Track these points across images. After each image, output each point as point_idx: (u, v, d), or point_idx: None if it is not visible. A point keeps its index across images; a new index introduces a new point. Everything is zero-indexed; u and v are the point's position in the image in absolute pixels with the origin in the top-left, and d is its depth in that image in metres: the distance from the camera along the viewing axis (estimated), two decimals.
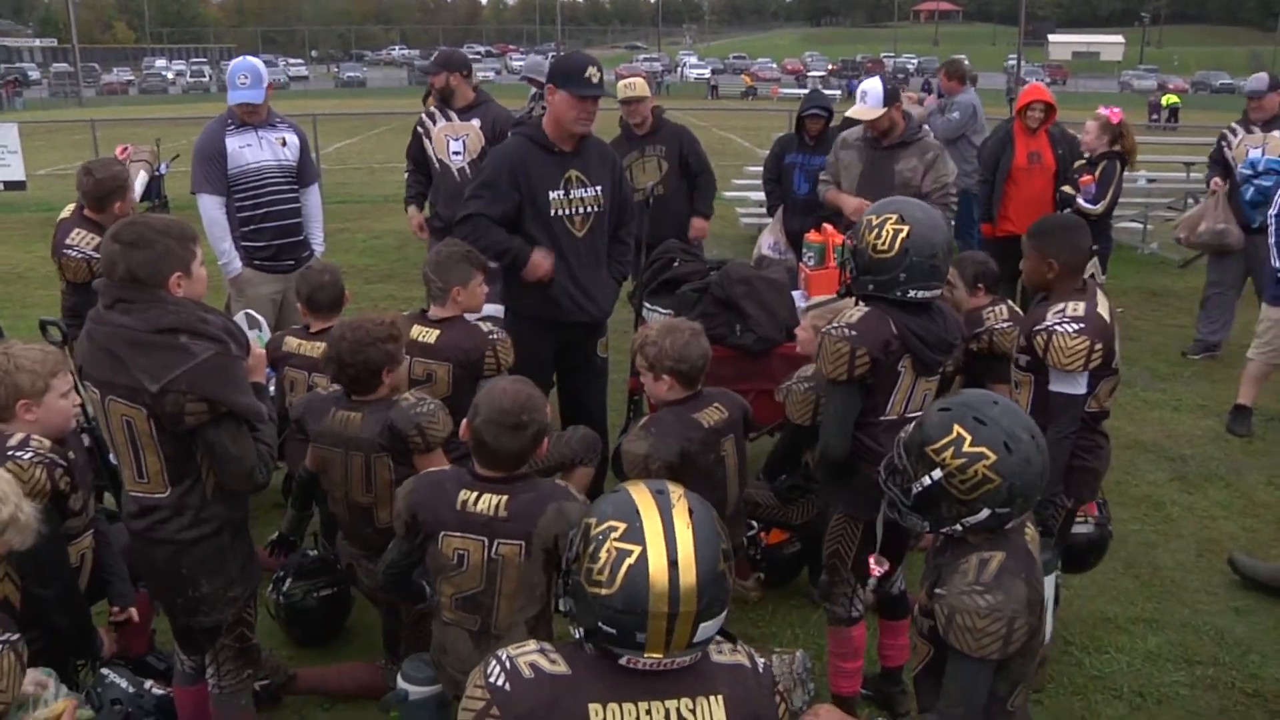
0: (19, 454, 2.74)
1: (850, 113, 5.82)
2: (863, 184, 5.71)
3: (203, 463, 2.82)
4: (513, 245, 4.41)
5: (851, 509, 3.38)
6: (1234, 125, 7.60)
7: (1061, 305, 3.48)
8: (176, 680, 3.25)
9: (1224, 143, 7.58)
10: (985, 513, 2.33)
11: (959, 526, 2.38)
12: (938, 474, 2.34)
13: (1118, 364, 3.61)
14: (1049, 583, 3.48)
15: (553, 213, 4.43)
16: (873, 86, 5.65)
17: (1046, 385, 3.51)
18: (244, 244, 5.40)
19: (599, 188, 4.50)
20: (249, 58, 5.51)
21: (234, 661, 3.09)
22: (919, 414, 3.25)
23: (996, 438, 2.29)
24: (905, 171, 5.59)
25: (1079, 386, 3.46)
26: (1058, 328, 3.42)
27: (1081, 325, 3.40)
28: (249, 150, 5.33)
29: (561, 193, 4.43)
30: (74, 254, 4.70)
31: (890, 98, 5.59)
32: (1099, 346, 3.40)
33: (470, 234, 4.33)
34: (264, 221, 5.40)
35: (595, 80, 4.31)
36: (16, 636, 2.33)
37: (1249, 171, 6.92)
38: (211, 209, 5.33)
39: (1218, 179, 7.38)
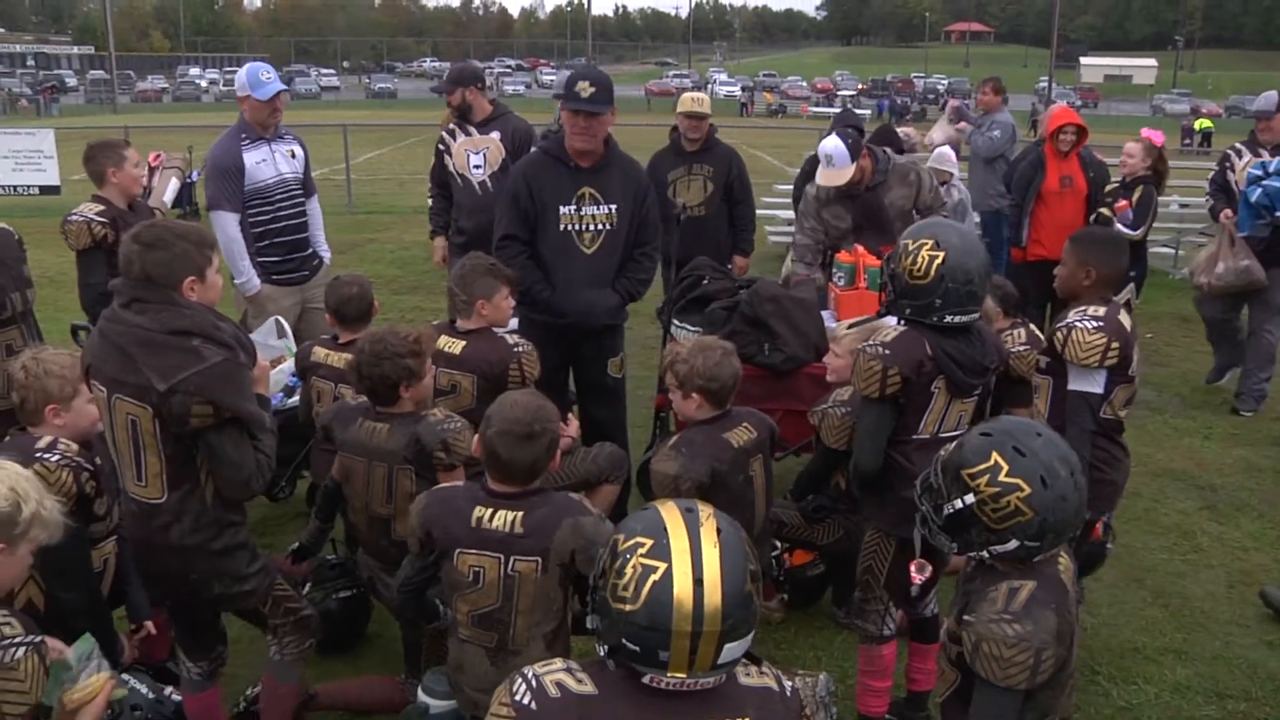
0: (46, 456, 2.77)
1: (821, 181, 5.48)
2: (862, 232, 5.49)
3: (202, 467, 2.86)
4: (534, 288, 4.47)
5: (884, 525, 3.40)
6: (1239, 146, 7.09)
7: (1084, 307, 3.55)
8: (184, 688, 3.28)
9: (1227, 164, 7.06)
10: (1014, 544, 2.30)
11: (986, 554, 2.35)
12: (970, 499, 2.31)
13: (1134, 373, 3.61)
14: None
15: (561, 227, 4.44)
16: (835, 147, 5.31)
17: (1064, 387, 3.55)
18: (259, 259, 5.36)
19: (613, 206, 4.48)
20: (253, 62, 5.55)
21: (294, 632, 3.24)
22: (953, 434, 3.25)
23: (1034, 471, 2.26)
24: (898, 202, 5.46)
25: (1096, 385, 3.50)
26: (1077, 323, 3.48)
27: (1100, 323, 3.46)
28: (265, 165, 5.31)
29: (573, 208, 4.44)
30: (76, 219, 4.71)
31: (855, 151, 5.33)
32: (1115, 345, 3.44)
33: (504, 259, 4.33)
34: (278, 235, 5.38)
35: (585, 95, 4.28)
36: (39, 639, 2.33)
37: (1259, 173, 6.53)
38: (229, 226, 5.26)
39: (1228, 211, 6.86)
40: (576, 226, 4.46)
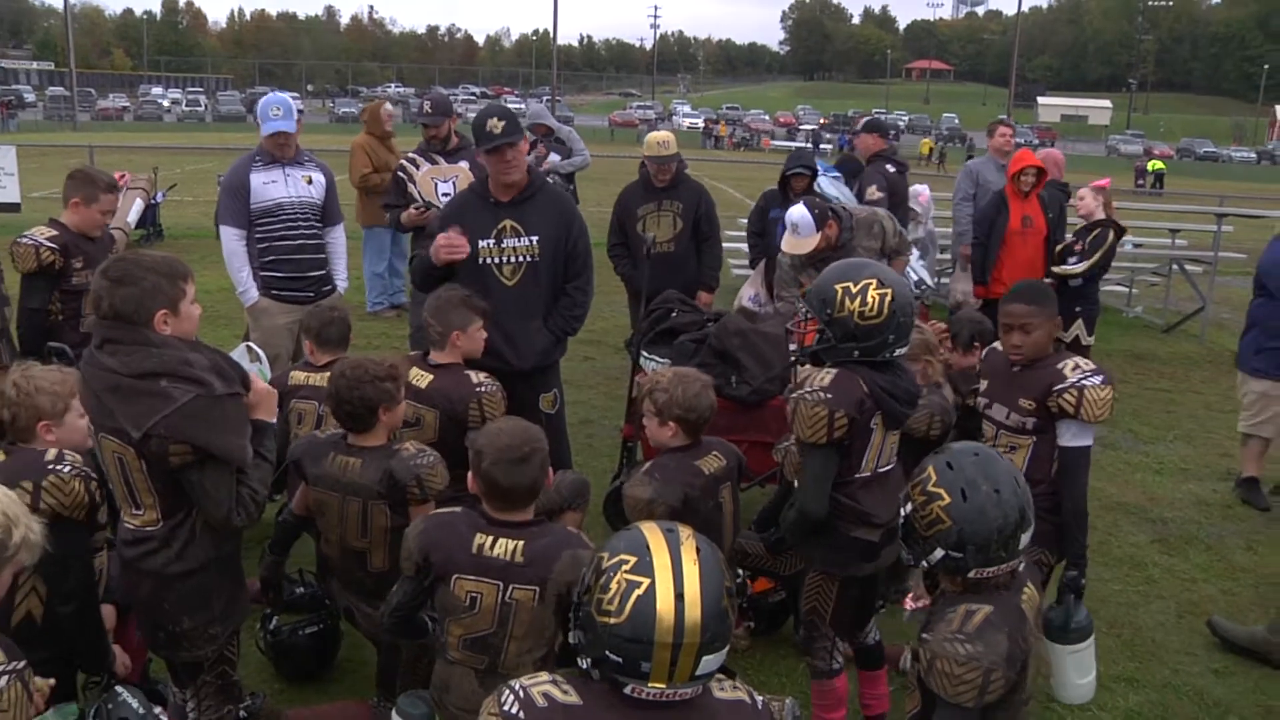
0: (58, 468, 2.78)
1: (786, 248, 5.50)
2: None
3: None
4: (425, 258, 4.52)
5: (833, 566, 3.43)
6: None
7: (1071, 362, 3.48)
8: (171, 712, 3.28)
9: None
10: (940, 553, 2.45)
11: (925, 564, 2.50)
12: (909, 507, 2.51)
13: None
14: (1089, 647, 3.46)
15: (480, 260, 4.47)
16: (801, 216, 5.34)
17: (1047, 445, 3.51)
18: (262, 274, 5.45)
19: (535, 238, 4.50)
20: (278, 93, 5.62)
21: (214, 698, 3.12)
22: (888, 467, 3.35)
23: (956, 483, 2.42)
24: (868, 255, 5.59)
25: (1090, 438, 3.51)
26: (1085, 382, 3.40)
27: (1103, 376, 3.43)
28: (272, 187, 5.37)
29: (492, 241, 4.46)
30: (25, 242, 4.68)
31: (821, 221, 5.36)
32: (1115, 395, 3.47)
33: (414, 275, 4.57)
34: (282, 254, 5.43)
35: (496, 131, 4.33)
36: (23, 664, 2.29)
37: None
38: (231, 240, 5.42)
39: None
40: (496, 259, 4.47)
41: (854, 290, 3.18)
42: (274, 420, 2.99)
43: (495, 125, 4.32)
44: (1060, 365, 3.48)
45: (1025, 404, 3.54)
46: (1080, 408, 3.40)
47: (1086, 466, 3.51)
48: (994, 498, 2.40)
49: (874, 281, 3.19)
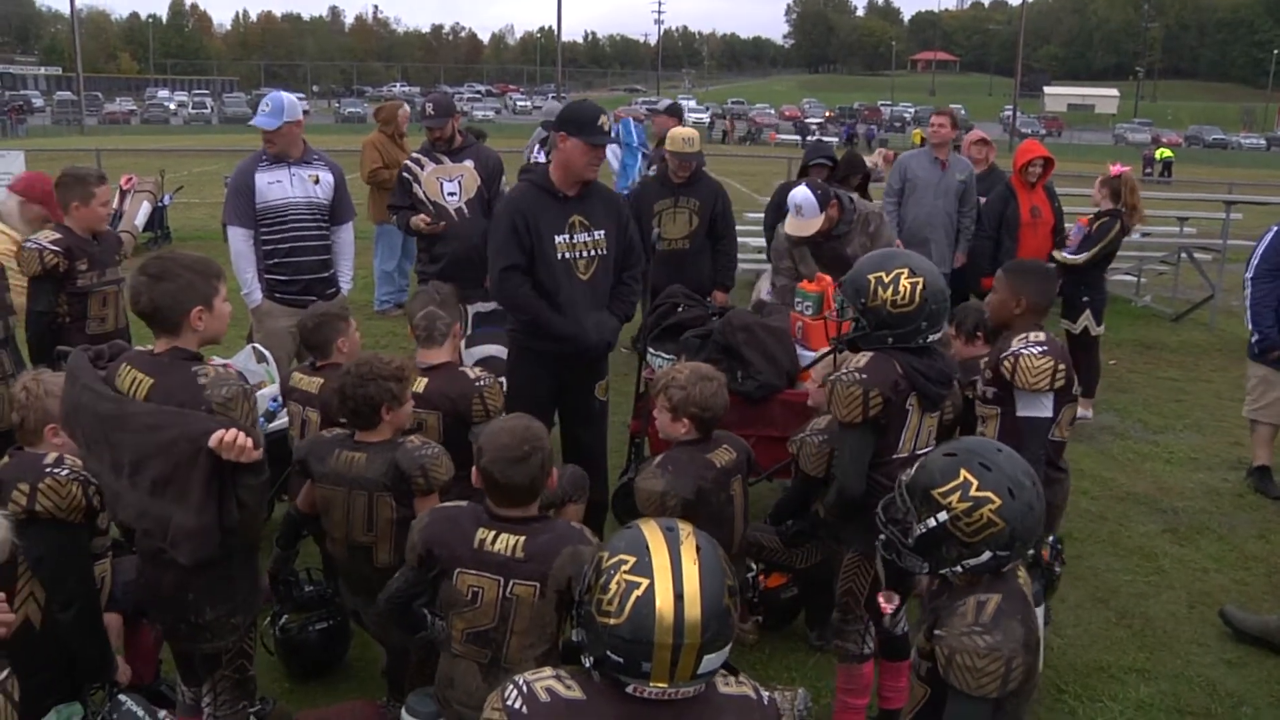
0: (56, 471, 2.81)
1: (789, 229, 5.49)
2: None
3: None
4: (541, 315, 4.45)
5: (866, 547, 3.43)
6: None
7: (1023, 334, 3.71)
8: (179, 711, 3.30)
9: None
10: (987, 555, 2.39)
11: (959, 568, 2.44)
12: (943, 516, 2.41)
13: (1077, 391, 3.77)
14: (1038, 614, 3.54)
15: (559, 256, 4.50)
16: (804, 198, 5.34)
17: (1013, 416, 3.69)
18: (268, 277, 5.43)
19: (601, 232, 4.56)
20: (283, 92, 5.55)
21: (231, 692, 3.16)
22: (925, 450, 3.39)
23: (1002, 483, 2.37)
24: (859, 252, 5.54)
25: (1046, 409, 3.65)
26: (1023, 350, 3.65)
27: (1045, 347, 3.65)
28: (277, 187, 5.35)
29: (566, 236, 4.50)
30: (30, 246, 4.70)
31: (824, 202, 5.36)
32: (1062, 366, 3.63)
33: (508, 291, 4.42)
34: (288, 257, 5.41)
35: (606, 128, 4.41)
36: (5, 674, 2.30)
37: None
38: (237, 241, 5.41)
39: None
40: (571, 255, 4.52)
41: (886, 280, 3.33)
42: (236, 455, 2.76)
43: (605, 123, 4.40)
44: (1016, 335, 3.71)
45: (987, 374, 3.81)
46: (1015, 374, 3.63)
47: (1037, 440, 3.64)
48: (1033, 490, 2.39)
49: (905, 270, 3.33)
